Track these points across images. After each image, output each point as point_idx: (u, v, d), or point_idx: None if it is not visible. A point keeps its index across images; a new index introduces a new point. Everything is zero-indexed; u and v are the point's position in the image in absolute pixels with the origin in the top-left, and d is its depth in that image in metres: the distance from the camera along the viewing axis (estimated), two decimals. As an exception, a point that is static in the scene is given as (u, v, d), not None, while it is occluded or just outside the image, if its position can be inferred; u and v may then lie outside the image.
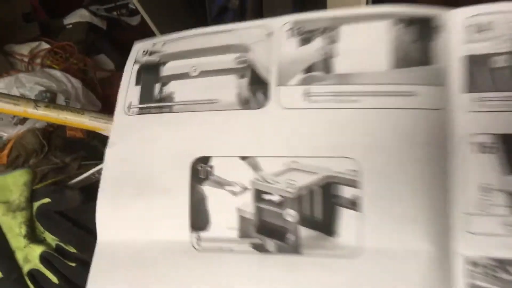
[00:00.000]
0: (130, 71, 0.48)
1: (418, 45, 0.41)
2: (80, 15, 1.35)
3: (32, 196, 0.48)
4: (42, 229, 0.47)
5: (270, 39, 0.43)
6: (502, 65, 0.38)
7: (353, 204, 0.38)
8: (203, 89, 0.44)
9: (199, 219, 0.41)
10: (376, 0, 0.78)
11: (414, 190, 0.37)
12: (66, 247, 0.47)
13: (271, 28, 0.44)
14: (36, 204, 0.48)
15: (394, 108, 0.39)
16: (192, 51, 0.46)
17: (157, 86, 0.46)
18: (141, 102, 0.46)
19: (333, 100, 0.40)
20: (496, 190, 0.36)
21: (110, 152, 0.45)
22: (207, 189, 0.41)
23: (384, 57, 0.41)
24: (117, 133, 0.46)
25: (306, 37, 0.43)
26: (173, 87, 0.45)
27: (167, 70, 0.47)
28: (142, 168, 0.43)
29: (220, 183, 0.41)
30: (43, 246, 0.45)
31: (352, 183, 0.39)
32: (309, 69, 0.42)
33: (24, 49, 1.50)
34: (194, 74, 0.45)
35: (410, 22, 0.41)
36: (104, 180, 0.44)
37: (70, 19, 1.38)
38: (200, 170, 0.42)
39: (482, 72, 0.38)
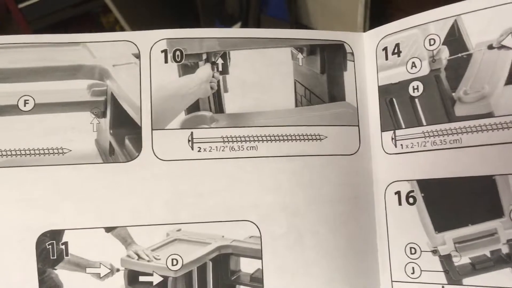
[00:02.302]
0: None
1: (326, 78, 0.33)
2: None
3: None
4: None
5: (139, 63, 0.32)
6: (419, 93, 0.32)
7: (255, 281, 0.31)
8: (42, 133, 0.31)
9: (53, 314, 0.30)
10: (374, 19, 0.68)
11: (327, 259, 0.32)
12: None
13: (139, 46, 0.32)
14: None
15: (299, 156, 0.32)
16: (20, 71, 0.31)
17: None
18: None
19: (225, 147, 0.31)
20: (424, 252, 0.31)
21: None
22: (62, 274, 0.31)
23: (285, 93, 0.32)
24: None
25: (188, 64, 0.32)
26: (-8, 127, 0.31)
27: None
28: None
29: (79, 265, 0.31)
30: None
31: (253, 254, 0.31)
32: (194, 108, 0.32)
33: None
34: (27, 108, 0.31)
35: (315, 49, 0.33)
36: None
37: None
38: (50, 249, 0.30)
39: (400, 104, 0.32)
